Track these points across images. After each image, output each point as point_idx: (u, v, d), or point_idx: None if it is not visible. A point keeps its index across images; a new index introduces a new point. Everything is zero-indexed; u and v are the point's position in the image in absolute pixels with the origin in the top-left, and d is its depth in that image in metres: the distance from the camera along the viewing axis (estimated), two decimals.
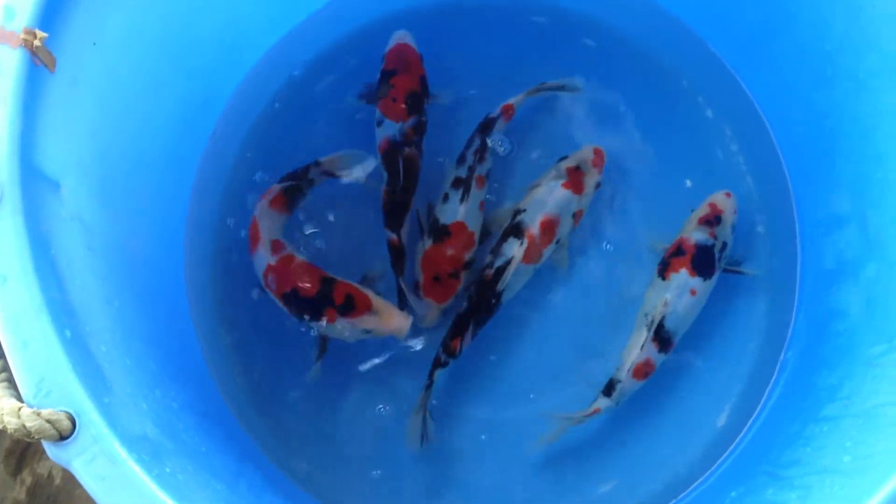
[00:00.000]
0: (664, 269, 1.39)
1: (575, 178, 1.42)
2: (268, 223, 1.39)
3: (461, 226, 1.40)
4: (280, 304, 1.37)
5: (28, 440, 0.88)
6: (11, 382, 0.90)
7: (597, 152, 1.46)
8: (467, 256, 1.40)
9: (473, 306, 1.38)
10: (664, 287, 1.38)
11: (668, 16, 1.54)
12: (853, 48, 1.25)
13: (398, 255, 1.41)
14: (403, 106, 1.44)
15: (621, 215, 1.50)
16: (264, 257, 1.36)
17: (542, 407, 1.40)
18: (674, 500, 1.37)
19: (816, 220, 1.42)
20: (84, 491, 0.88)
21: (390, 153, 1.43)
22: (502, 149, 1.48)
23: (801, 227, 1.45)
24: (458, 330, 1.37)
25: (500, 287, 1.38)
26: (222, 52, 1.43)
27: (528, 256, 1.38)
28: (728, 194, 1.44)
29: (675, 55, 1.56)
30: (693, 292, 1.37)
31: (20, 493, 1.48)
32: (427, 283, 1.39)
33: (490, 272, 1.39)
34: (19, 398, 0.89)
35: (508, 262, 1.37)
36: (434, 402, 1.38)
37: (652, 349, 1.35)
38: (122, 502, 0.87)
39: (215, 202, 1.47)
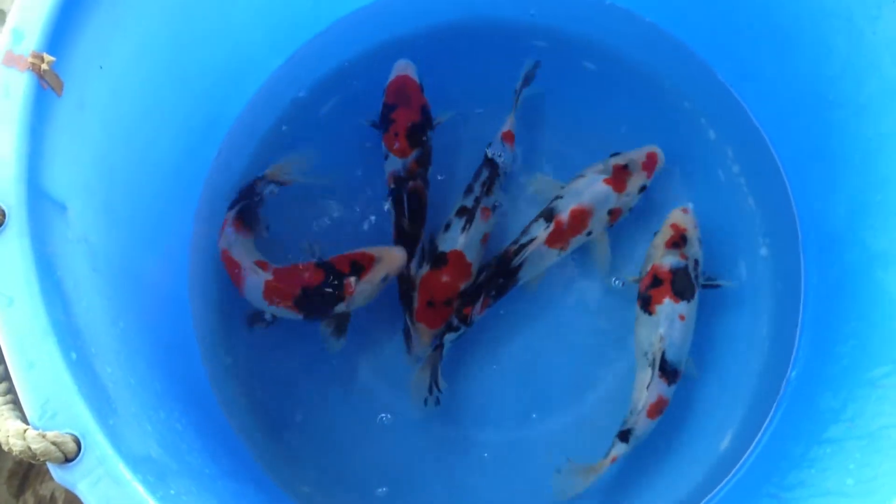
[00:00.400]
0: (647, 303, 1.38)
1: (619, 176, 1.43)
2: (241, 249, 1.39)
3: (459, 255, 1.40)
4: (293, 313, 1.37)
5: (33, 462, 0.88)
6: (17, 404, 0.91)
7: (650, 156, 1.46)
8: (462, 286, 1.40)
9: (489, 277, 1.39)
10: (654, 322, 1.36)
11: (669, 38, 1.56)
12: (855, 73, 1.26)
13: (408, 287, 1.43)
14: (406, 141, 1.45)
15: (623, 237, 1.50)
16: (257, 279, 1.36)
17: (544, 427, 1.41)
18: None
19: (819, 241, 1.42)
20: None
21: (396, 188, 1.45)
22: (500, 159, 1.47)
23: (804, 248, 1.45)
24: (471, 299, 1.39)
25: (516, 262, 1.39)
26: (227, 75, 1.44)
27: (552, 240, 1.40)
28: (685, 210, 1.45)
29: (677, 77, 1.56)
30: (682, 318, 1.36)
31: None
32: (421, 308, 1.40)
33: (513, 248, 1.40)
34: (24, 420, 0.89)
35: (532, 241, 1.39)
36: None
37: (661, 385, 1.33)
38: None
39: (220, 224, 1.47)
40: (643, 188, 1.45)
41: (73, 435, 0.89)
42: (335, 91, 1.55)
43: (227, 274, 1.40)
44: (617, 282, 1.45)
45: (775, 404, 1.39)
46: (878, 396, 1.12)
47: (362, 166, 1.53)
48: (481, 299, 1.39)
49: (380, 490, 1.40)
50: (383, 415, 1.43)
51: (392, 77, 1.51)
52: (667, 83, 1.57)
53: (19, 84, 0.97)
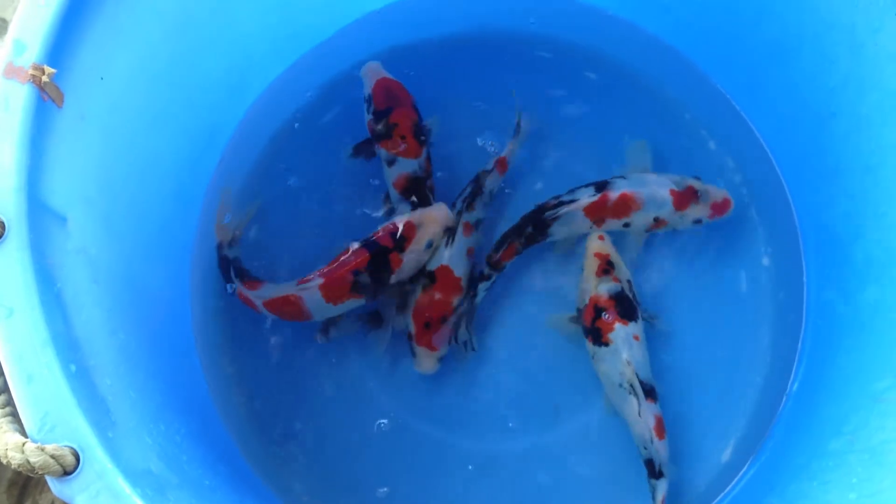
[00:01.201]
0: (599, 336, 1.36)
1: (686, 196, 1.42)
2: (271, 291, 1.38)
3: (446, 270, 1.39)
4: (357, 301, 1.38)
5: (32, 475, 0.87)
6: (15, 417, 0.90)
7: (724, 201, 1.43)
8: (455, 301, 1.39)
9: (521, 224, 1.41)
10: (613, 351, 1.35)
11: (671, 50, 1.55)
12: (856, 84, 1.26)
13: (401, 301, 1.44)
14: (414, 141, 1.44)
15: (625, 247, 1.49)
16: (312, 293, 1.35)
17: (524, 435, 1.42)
18: None
19: (822, 253, 1.41)
20: None
21: (414, 189, 1.44)
22: (487, 179, 1.46)
23: (805, 259, 1.45)
24: (500, 244, 1.41)
25: (550, 215, 1.40)
26: (228, 85, 1.44)
27: (591, 210, 1.41)
28: (601, 237, 1.44)
29: (678, 88, 1.56)
30: (636, 338, 1.36)
31: None
32: (419, 332, 1.39)
33: (553, 202, 1.41)
34: (23, 433, 0.89)
35: (572, 203, 1.40)
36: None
37: (651, 406, 1.33)
38: None
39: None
40: (698, 221, 1.43)
41: (72, 448, 0.89)
42: (336, 100, 1.55)
43: (287, 317, 1.39)
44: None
45: (776, 416, 1.39)
46: (881, 410, 1.12)
47: (364, 173, 1.53)
48: (506, 245, 1.40)
49: (380, 492, 1.40)
50: (382, 421, 1.43)
51: (371, 83, 1.48)
52: (668, 94, 1.57)
53: (20, 96, 0.97)
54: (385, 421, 1.43)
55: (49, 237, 0.99)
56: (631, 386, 1.32)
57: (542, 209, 1.41)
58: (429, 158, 1.46)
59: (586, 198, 1.41)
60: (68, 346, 0.94)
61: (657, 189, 1.41)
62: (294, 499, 1.40)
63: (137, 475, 0.91)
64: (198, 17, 1.30)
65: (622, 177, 1.43)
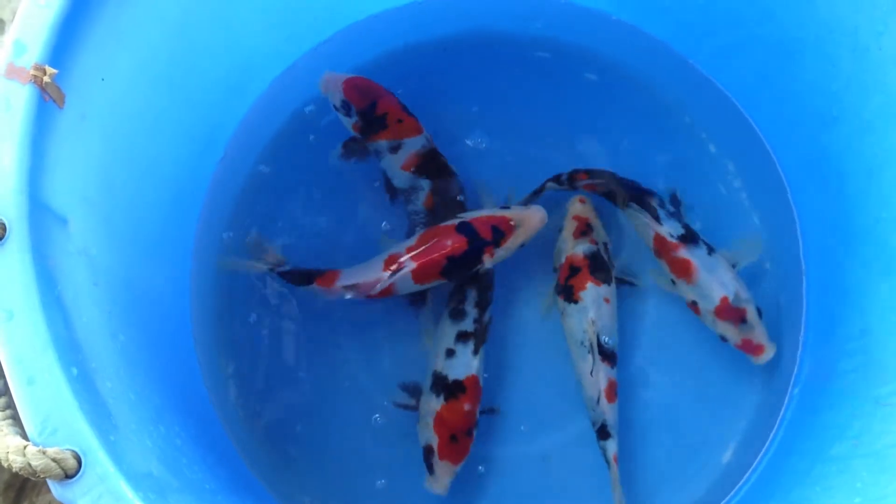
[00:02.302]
0: (570, 293, 1.39)
1: (731, 312, 1.36)
2: (361, 274, 1.38)
3: (475, 380, 1.35)
4: (437, 281, 1.38)
5: (33, 479, 0.87)
6: (16, 420, 0.90)
7: (758, 349, 1.37)
8: (478, 411, 1.36)
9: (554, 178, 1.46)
10: (581, 309, 1.37)
11: (671, 52, 1.55)
12: (859, 88, 1.25)
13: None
14: (412, 118, 1.44)
15: (624, 252, 1.50)
16: (405, 273, 1.36)
17: (534, 439, 1.42)
18: None
19: (823, 257, 1.41)
20: None
21: (428, 161, 1.44)
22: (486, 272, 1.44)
23: (806, 263, 1.45)
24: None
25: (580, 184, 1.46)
26: (228, 85, 1.44)
27: (659, 244, 1.41)
28: (581, 200, 1.46)
29: (678, 91, 1.56)
30: (607, 300, 1.38)
31: None
32: (443, 445, 1.33)
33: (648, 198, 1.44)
34: (24, 436, 0.88)
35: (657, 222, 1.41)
36: None
37: (606, 369, 1.35)
38: None
39: (221, 236, 1.47)
40: (724, 339, 1.39)
41: (73, 451, 0.88)
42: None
43: (374, 296, 1.38)
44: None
45: (779, 420, 1.38)
46: (884, 415, 1.12)
47: (364, 174, 1.52)
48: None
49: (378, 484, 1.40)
50: (376, 415, 1.43)
51: (338, 88, 1.45)
52: (668, 96, 1.56)
53: (21, 96, 0.97)
54: (379, 416, 1.43)
55: (50, 239, 0.98)
56: (591, 346, 1.34)
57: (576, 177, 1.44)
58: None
59: (667, 233, 1.39)
60: (69, 349, 0.93)
61: (716, 285, 1.37)
62: (296, 501, 1.39)
63: (139, 478, 0.90)
64: (198, 18, 1.29)
65: (710, 247, 1.40)
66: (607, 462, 1.33)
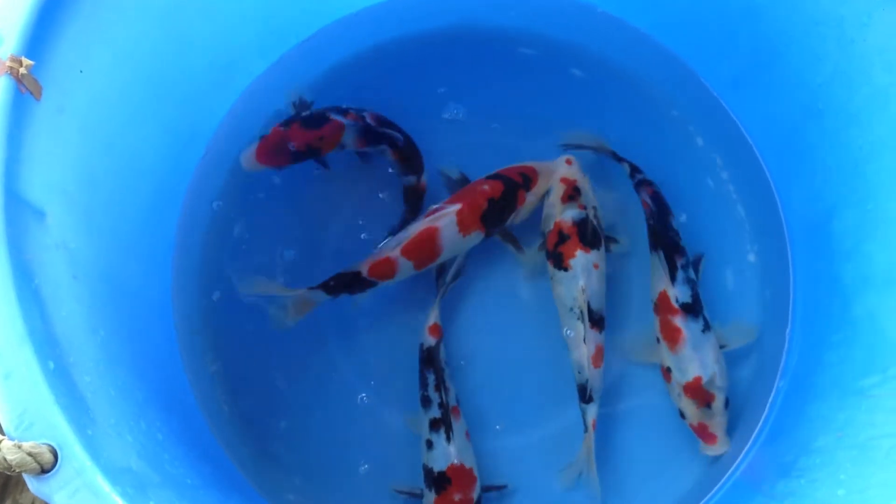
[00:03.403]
0: (560, 260, 1.39)
1: (700, 393, 1.33)
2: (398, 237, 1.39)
3: (459, 467, 1.32)
4: (476, 231, 1.40)
5: (9, 473, 0.86)
6: None
7: (710, 438, 1.34)
8: (475, 495, 1.33)
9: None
10: (571, 276, 1.38)
11: (657, 46, 1.55)
12: (845, 80, 1.25)
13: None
14: (328, 124, 1.42)
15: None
16: (449, 220, 1.37)
17: (509, 436, 1.42)
18: None
19: (808, 249, 1.41)
20: None
21: (372, 134, 1.44)
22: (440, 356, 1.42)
23: (792, 256, 1.44)
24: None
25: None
26: (211, 80, 1.43)
27: (661, 304, 1.38)
28: (569, 161, 1.46)
29: (665, 85, 1.56)
30: (596, 266, 1.38)
31: None
32: None
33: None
34: (0, 430, 0.87)
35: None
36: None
37: (594, 335, 1.36)
38: None
39: (203, 231, 1.46)
40: (681, 414, 1.36)
41: (49, 446, 0.87)
42: (320, 98, 1.53)
43: (420, 258, 1.38)
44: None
45: (764, 413, 1.38)
46: (869, 406, 1.12)
47: (349, 168, 1.52)
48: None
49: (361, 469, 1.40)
50: (363, 395, 1.43)
51: (255, 162, 1.41)
52: (655, 91, 1.56)
53: None
54: (365, 395, 1.43)
55: (27, 232, 0.97)
56: (581, 313, 1.35)
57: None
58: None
59: (674, 296, 1.36)
60: (46, 343, 0.92)
61: (695, 362, 1.34)
62: (280, 497, 1.38)
63: (117, 473, 0.89)
64: (180, 11, 1.29)
65: (707, 324, 1.37)
66: (585, 426, 1.34)
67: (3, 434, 0.87)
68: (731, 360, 1.42)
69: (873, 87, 1.20)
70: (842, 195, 1.31)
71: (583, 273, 1.37)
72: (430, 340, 1.40)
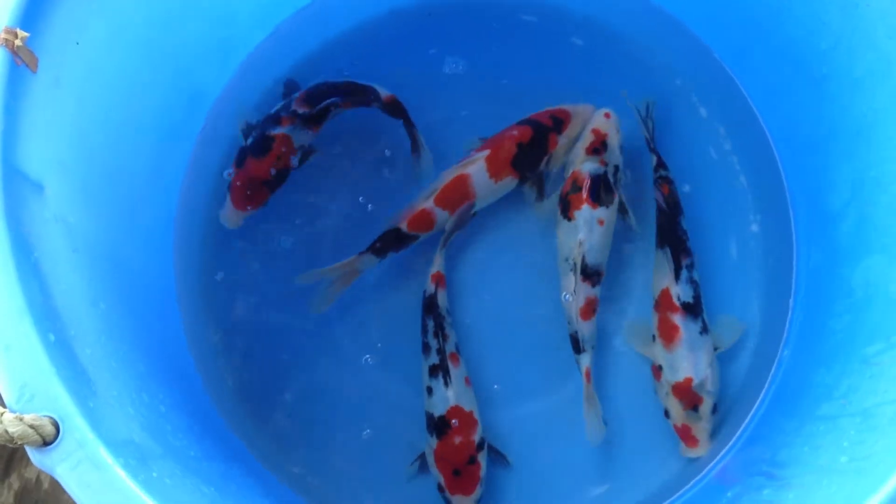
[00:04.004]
0: (566, 209, 1.39)
1: (689, 396, 1.33)
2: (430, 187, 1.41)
3: (457, 410, 1.34)
4: (511, 178, 1.42)
5: (11, 446, 0.86)
6: None
7: (691, 441, 1.35)
8: (476, 438, 1.34)
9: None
10: (573, 227, 1.38)
11: (660, 13, 1.53)
12: (848, 47, 1.23)
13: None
14: (272, 148, 1.41)
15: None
16: (479, 167, 1.40)
17: (506, 396, 1.42)
18: (668, 501, 1.35)
19: (812, 218, 1.40)
20: (72, 497, 0.87)
21: (316, 111, 1.42)
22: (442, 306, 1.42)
23: (796, 225, 1.44)
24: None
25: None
26: (209, 51, 1.41)
27: (661, 306, 1.38)
28: (607, 115, 1.45)
29: (668, 53, 1.54)
30: (601, 222, 1.38)
31: (8, 497, 1.46)
32: (449, 482, 1.33)
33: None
34: (1, 403, 0.87)
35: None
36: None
37: (586, 288, 1.36)
38: None
39: (204, 203, 1.46)
40: (666, 414, 1.36)
41: (51, 418, 0.87)
42: (319, 69, 1.52)
43: (454, 206, 1.40)
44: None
45: (768, 381, 1.38)
46: (873, 374, 1.11)
47: (347, 140, 1.51)
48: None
49: (367, 483, 1.39)
50: (367, 356, 1.43)
51: (237, 216, 1.42)
52: (658, 60, 1.55)
53: None
54: (369, 356, 1.43)
55: (25, 204, 0.96)
56: (574, 265, 1.36)
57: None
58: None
59: (676, 294, 1.36)
60: (46, 316, 0.92)
61: (689, 363, 1.34)
62: (284, 470, 1.39)
63: (119, 445, 0.89)
64: None
65: (706, 327, 1.37)
66: (581, 372, 1.36)
67: (5, 407, 0.87)
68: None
69: (878, 52, 1.19)
70: (845, 163, 1.30)
71: (584, 226, 1.37)
72: (431, 288, 1.40)
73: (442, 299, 1.40)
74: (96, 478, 0.86)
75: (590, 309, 1.36)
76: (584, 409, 1.35)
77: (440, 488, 1.33)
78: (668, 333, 1.36)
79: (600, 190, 1.39)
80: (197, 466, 1.10)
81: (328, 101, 1.43)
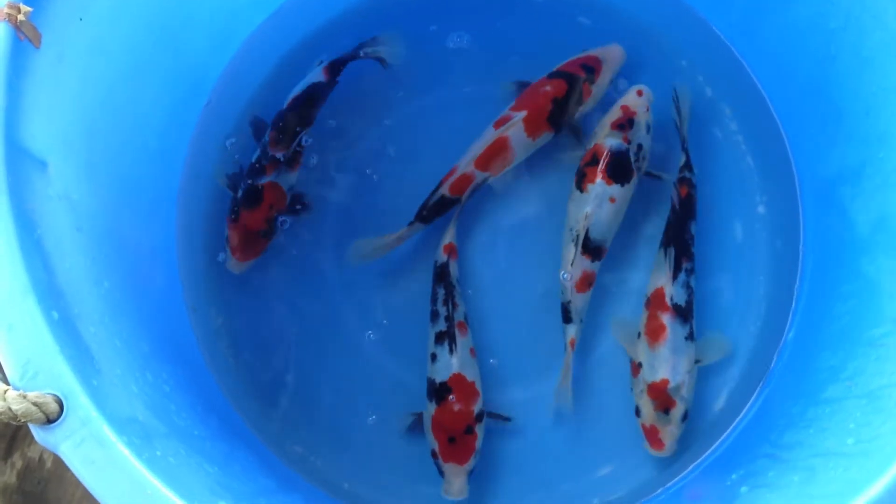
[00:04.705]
0: (581, 180, 1.39)
1: (663, 397, 1.32)
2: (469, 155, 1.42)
3: (459, 378, 1.34)
4: (546, 133, 1.43)
5: (14, 423, 0.86)
6: None
7: (655, 443, 1.33)
8: (476, 408, 1.34)
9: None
10: (583, 199, 1.37)
11: None
12: (857, 25, 1.22)
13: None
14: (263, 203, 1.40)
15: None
16: (517, 129, 1.41)
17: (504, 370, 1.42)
18: (672, 482, 1.35)
19: (819, 200, 1.39)
20: (75, 475, 0.86)
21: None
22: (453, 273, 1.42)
23: (802, 207, 1.43)
24: None
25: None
26: (211, 29, 1.40)
27: (656, 303, 1.37)
28: (640, 92, 1.44)
29: (673, 33, 1.53)
30: (612, 200, 1.37)
31: (10, 476, 1.47)
32: (444, 448, 1.32)
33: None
34: (5, 380, 0.87)
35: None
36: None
37: (585, 261, 1.36)
38: (112, 487, 0.85)
39: (207, 182, 1.45)
40: (637, 412, 1.35)
41: (55, 395, 0.86)
42: (323, 47, 1.51)
43: (497, 165, 1.42)
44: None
45: (772, 364, 1.38)
46: (879, 356, 1.10)
47: (349, 116, 1.51)
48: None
49: (372, 459, 1.39)
50: (369, 332, 1.43)
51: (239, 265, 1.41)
52: (664, 39, 1.54)
53: None
54: (372, 332, 1.43)
55: (29, 182, 0.96)
56: (577, 237, 1.36)
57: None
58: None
59: (669, 294, 1.35)
60: (50, 294, 0.92)
61: (669, 365, 1.32)
62: (286, 450, 1.39)
63: (123, 423, 0.89)
64: None
65: (693, 336, 1.36)
66: (565, 346, 1.36)
67: (8, 384, 0.87)
68: (739, 313, 1.43)
69: (886, 30, 1.17)
70: (853, 143, 1.29)
71: (594, 200, 1.37)
72: (443, 257, 1.41)
73: (454, 269, 1.41)
74: (100, 455, 0.85)
75: (585, 282, 1.36)
76: (560, 376, 1.35)
77: (434, 455, 1.33)
78: (654, 332, 1.34)
79: (618, 167, 1.38)
80: (201, 446, 1.10)
81: (298, 135, 1.42)
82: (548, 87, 1.44)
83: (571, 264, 1.36)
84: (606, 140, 1.40)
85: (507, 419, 1.38)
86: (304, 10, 1.50)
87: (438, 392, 1.33)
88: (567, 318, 1.37)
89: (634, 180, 1.40)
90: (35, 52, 0.98)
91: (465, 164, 1.42)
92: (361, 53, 1.47)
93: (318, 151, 1.49)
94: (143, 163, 1.28)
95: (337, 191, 1.49)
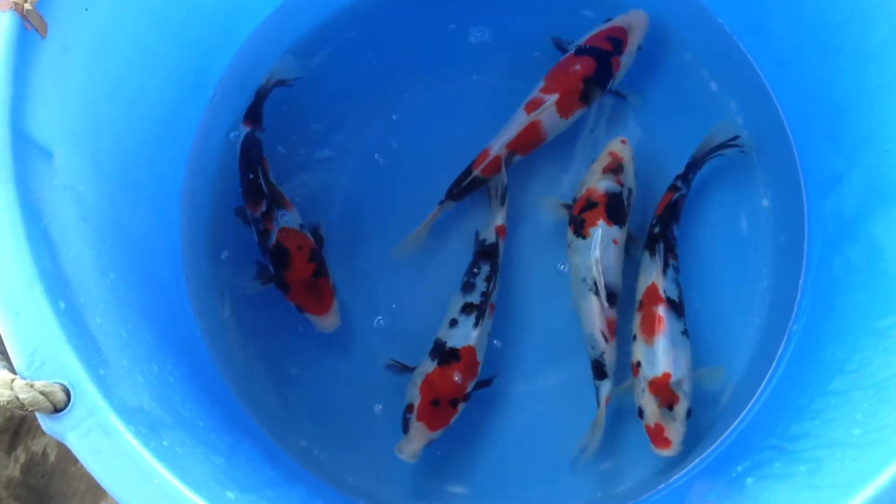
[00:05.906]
0: (581, 227, 1.37)
1: (665, 393, 1.30)
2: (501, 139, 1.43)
3: (471, 351, 1.33)
4: (580, 110, 1.45)
5: (21, 412, 0.85)
6: (4, 354, 0.88)
7: (658, 440, 1.31)
8: (469, 386, 1.34)
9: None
10: (588, 245, 1.36)
11: None
12: (863, 18, 1.22)
13: None
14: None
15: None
16: (550, 112, 1.43)
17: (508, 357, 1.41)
18: (678, 475, 1.35)
19: (823, 194, 1.39)
20: (79, 468, 0.87)
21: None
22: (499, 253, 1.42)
23: (807, 201, 1.43)
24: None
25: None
26: (217, 21, 1.41)
27: (649, 297, 1.36)
28: (623, 141, 1.44)
29: (679, 27, 1.53)
30: (615, 242, 1.36)
31: (14, 470, 1.47)
32: (423, 406, 1.30)
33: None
34: (12, 370, 0.87)
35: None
36: None
37: (607, 309, 1.34)
38: (119, 476, 0.85)
39: (211, 174, 1.45)
40: (639, 413, 1.32)
41: (62, 385, 0.86)
42: (328, 40, 1.52)
43: (527, 147, 1.44)
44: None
45: (778, 356, 1.38)
46: (885, 347, 1.10)
47: (353, 114, 1.51)
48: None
49: (375, 450, 1.38)
50: (378, 319, 1.43)
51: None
52: (668, 33, 1.54)
53: (1, 23, 0.94)
54: (379, 320, 1.44)
55: (35, 172, 0.96)
56: (595, 284, 1.33)
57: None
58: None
59: (662, 287, 1.34)
60: (56, 284, 0.92)
61: (669, 358, 1.30)
62: (291, 443, 1.39)
63: (130, 413, 0.89)
64: None
65: (686, 332, 1.35)
66: (598, 402, 1.33)
67: (16, 373, 0.87)
68: (744, 306, 1.43)
69: (893, 23, 1.17)
70: (858, 137, 1.29)
71: (601, 244, 1.35)
72: (492, 237, 1.41)
73: (500, 250, 1.41)
74: (107, 445, 0.85)
75: (612, 330, 1.34)
76: (590, 430, 1.33)
77: (409, 409, 1.31)
78: (650, 327, 1.33)
79: (616, 208, 1.37)
80: (206, 437, 1.10)
81: (260, 182, 1.39)
82: (577, 66, 1.44)
83: (597, 315, 1.33)
84: (600, 183, 1.39)
85: (493, 377, 1.38)
86: (309, 4, 1.50)
87: (445, 355, 1.33)
88: (601, 374, 1.33)
89: (627, 223, 1.39)
90: (41, 42, 0.98)
91: (498, 147, 1.43)
92: (263, 92, 1.45)
93: (327, 145, 1.49)
94: (148, 155, 1.28)
95: (343, 181, 1.49)
